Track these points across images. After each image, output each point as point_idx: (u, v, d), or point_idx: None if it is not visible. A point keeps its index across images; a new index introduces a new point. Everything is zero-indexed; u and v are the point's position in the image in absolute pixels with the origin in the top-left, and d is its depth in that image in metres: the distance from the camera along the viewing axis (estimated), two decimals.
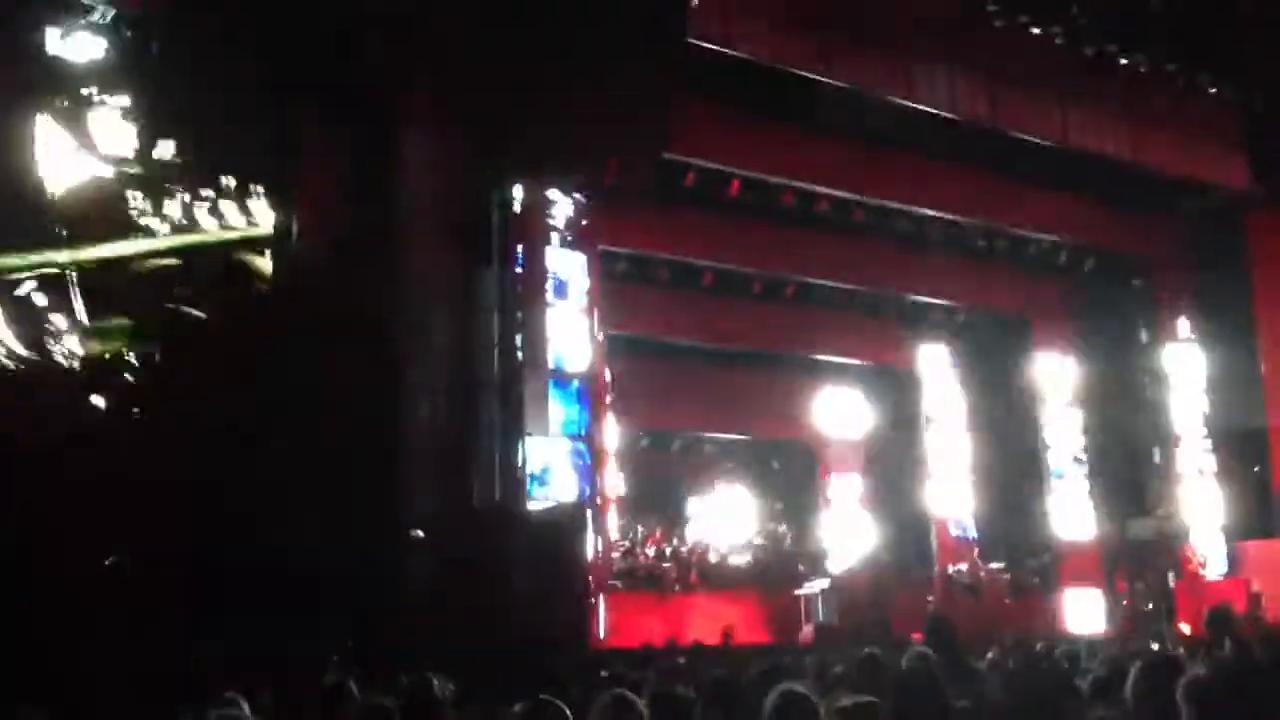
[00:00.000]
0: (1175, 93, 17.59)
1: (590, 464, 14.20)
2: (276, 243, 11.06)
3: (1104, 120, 17.08)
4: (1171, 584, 18.62)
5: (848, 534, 21.07)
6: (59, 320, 10.24)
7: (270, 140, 11.02)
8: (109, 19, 10.95)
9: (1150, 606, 18.57)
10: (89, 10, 10.88)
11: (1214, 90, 17.81)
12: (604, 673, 6.75)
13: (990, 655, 7.69)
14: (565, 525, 12.36)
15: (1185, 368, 19.97)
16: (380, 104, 11.21)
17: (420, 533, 10.88)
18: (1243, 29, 16.42)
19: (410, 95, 11.32)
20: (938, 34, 15.63)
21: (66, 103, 10.57)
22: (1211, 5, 15.77)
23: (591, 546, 13.57)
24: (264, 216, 11.14)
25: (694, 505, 23.19)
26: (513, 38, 11.65)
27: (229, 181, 11.05)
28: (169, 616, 8.86)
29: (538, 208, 13.64)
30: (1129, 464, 20.55)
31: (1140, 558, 19.48)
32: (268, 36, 10.88)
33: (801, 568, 19.46)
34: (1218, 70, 17.52)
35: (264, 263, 11.04)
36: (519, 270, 13.00)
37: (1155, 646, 12.38)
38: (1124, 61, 16.78)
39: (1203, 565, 18.64)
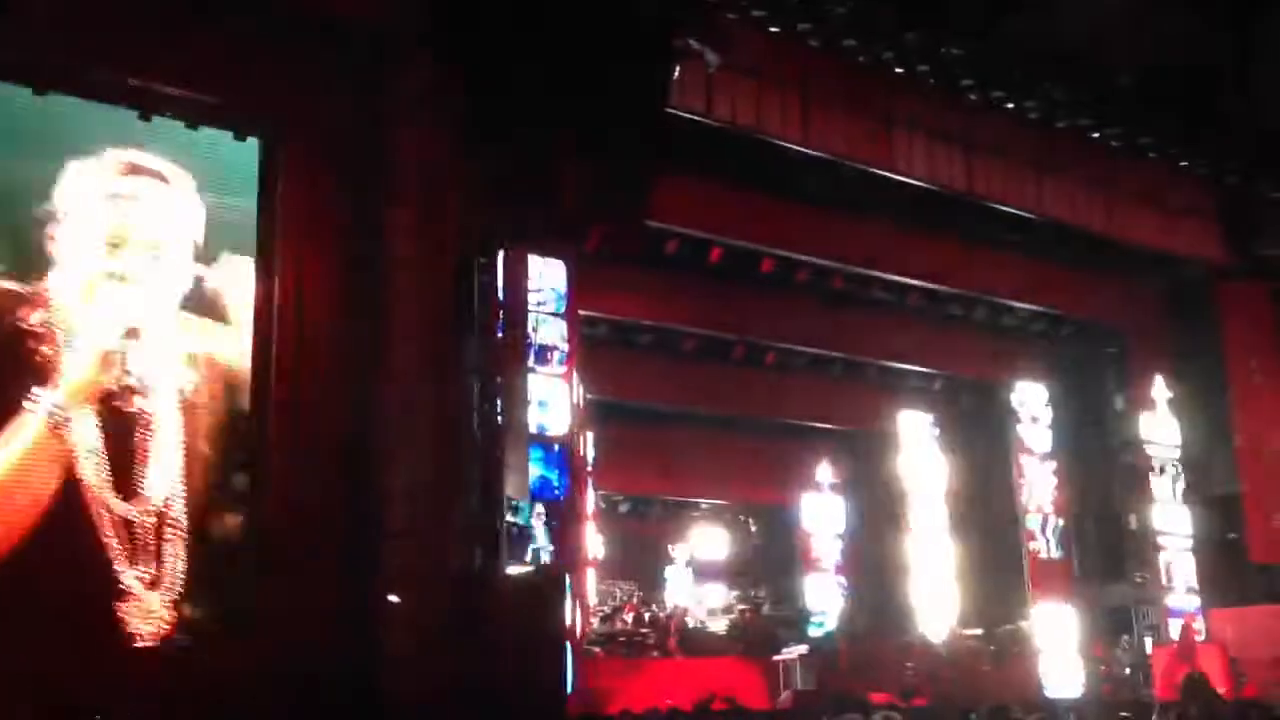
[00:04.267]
0: (1148, 166, 17.94)
1: (569, 528, 14.20)
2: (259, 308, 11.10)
3: (1078, 192, 17.40)
4: (1148, 649, 18.66)
5: (826, 598, 21.05)
6: None
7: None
8: None
9: (1128, 671, 18.61)
10: None
11: (1186, 163, 18.16)
12: None
13: None
14: (545, 589, 12.33)
15: (1160, 434, 20.08)
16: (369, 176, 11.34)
17: (397, 598, 10.86)
18: (1213, 104, 16.81)
19: (397, 166, 11.44)
20: (914, 105, 15.95)
21: None
22: (1181, 81, 16.14)
23: (570, 611, 13.55)
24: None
25: (672, 569, 23.16)
26: (498, 104, 11.82)
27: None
28: None
29: (519, 273, 13.71)
30: (1106, 529, 20.62)
31: (1117, 623, 19.56)
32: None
33: (780, 633, 19.41)
34: (1190, 144, 17.87)
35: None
36: (499, 335, 13.04)
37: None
38: (1096, 135, 17.12)
39: (1178, 631, 18.66)
